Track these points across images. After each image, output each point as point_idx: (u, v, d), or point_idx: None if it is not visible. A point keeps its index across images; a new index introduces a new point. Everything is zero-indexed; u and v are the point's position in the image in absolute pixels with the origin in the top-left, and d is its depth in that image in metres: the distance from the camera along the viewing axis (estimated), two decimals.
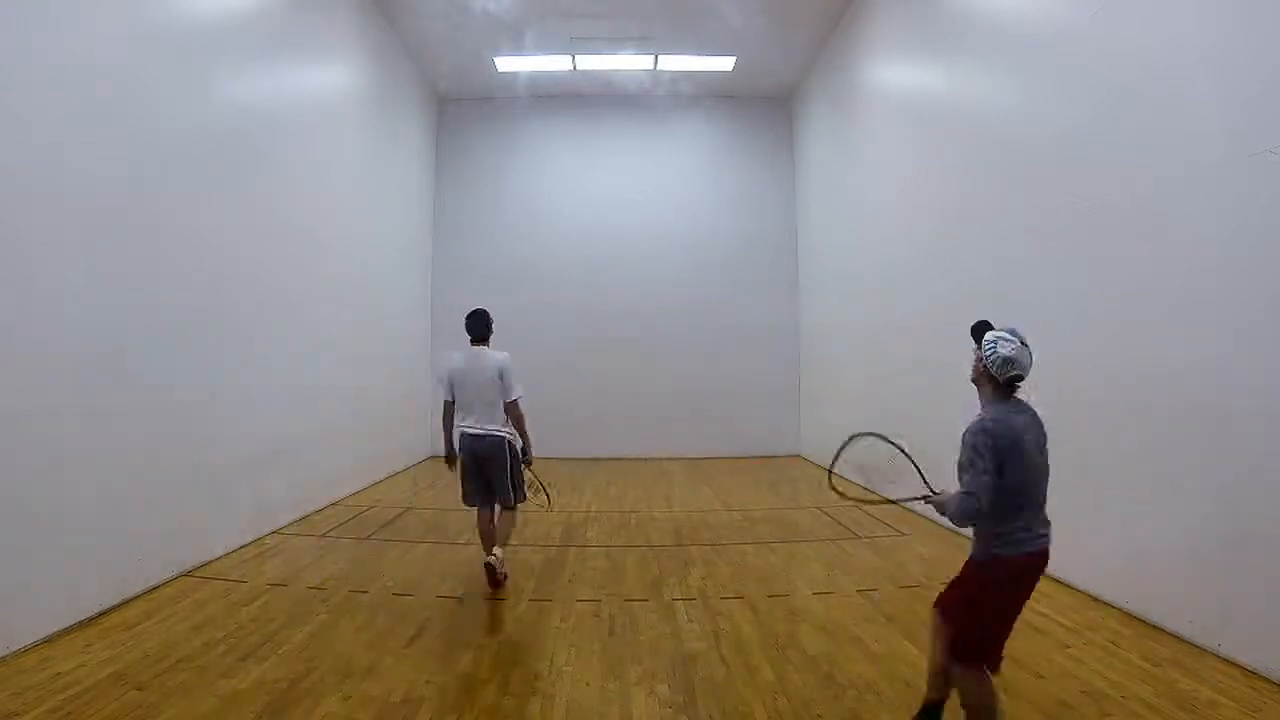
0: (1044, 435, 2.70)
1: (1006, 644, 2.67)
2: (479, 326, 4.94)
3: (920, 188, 7.33)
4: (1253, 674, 3.35)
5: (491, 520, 4.95)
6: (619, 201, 12.28)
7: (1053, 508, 2.64)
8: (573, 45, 10.43)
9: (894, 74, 8.31)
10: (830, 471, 3.02)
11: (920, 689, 3.31)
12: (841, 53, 9.87)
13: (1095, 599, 4.43)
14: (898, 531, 6.44)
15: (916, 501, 2.79)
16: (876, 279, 8.58)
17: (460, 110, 12.24)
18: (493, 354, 4.89)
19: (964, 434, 2.60)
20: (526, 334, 12.07)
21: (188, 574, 4.96)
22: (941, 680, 2.82)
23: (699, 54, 10.74)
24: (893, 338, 8.04)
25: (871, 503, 3.04)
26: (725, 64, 11.07)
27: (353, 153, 8.71)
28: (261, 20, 6.29)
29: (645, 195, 12.28)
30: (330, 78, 8.08)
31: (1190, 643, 3.72)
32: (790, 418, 12.00)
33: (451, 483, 9.52)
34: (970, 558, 2.70)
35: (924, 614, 4.31)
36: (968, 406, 2.84)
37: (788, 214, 12.35)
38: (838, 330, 10.22)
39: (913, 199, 7.55)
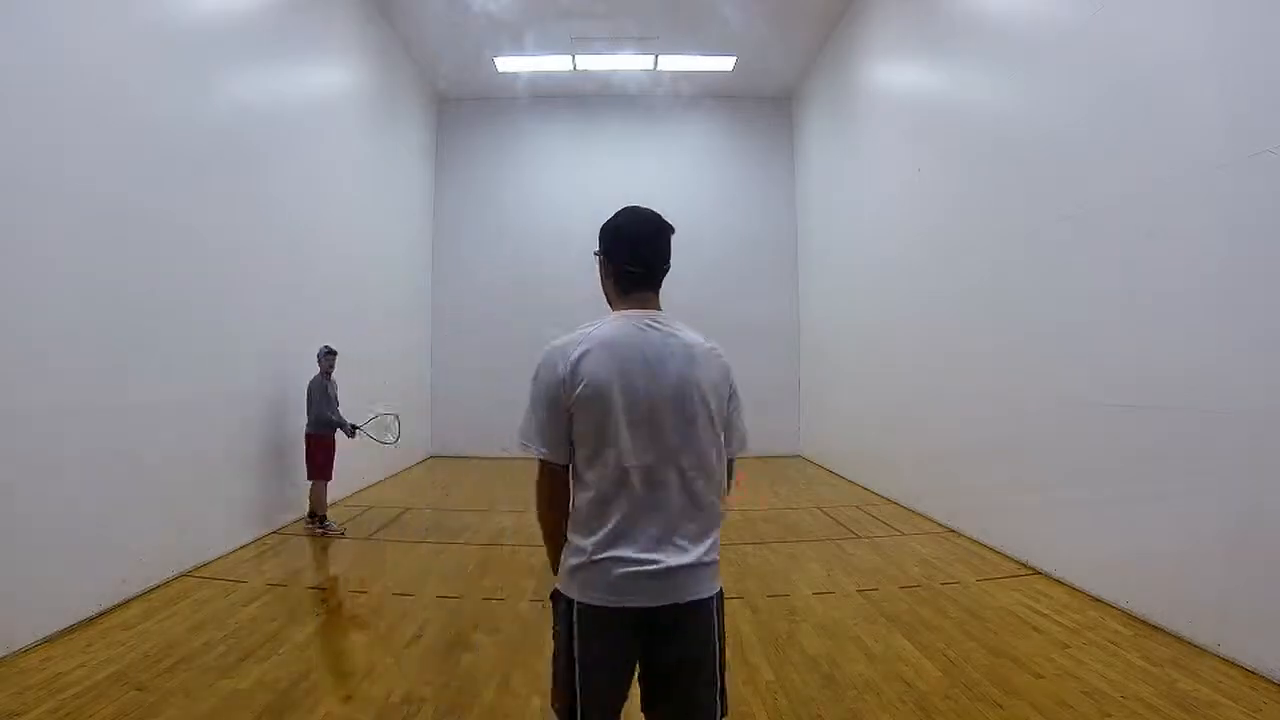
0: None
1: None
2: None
3: (920, 188, 7.33)
4: (1253, 674, 3.35)
5: None
6: (619, 201, 11.66)
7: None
8: (573, 45, 10.42)
9: (894, 74, 8.30)
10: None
11: (920, 688, 3.33)
12: (841, 53, 9.87)
13: (1095, 599, 4.41)
14: (897, 531, 6.44)
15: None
16: (876, 278, 8.58)
17: (460, 110, 12.23)
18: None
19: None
20: (526, 334, 12.11)
21: (188, 574, 4.95)
22: None
23: (699, 54, 10.73)
24: (892, 337, 8.03)
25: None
26: (725, 64, 11.06)
27: (353, 153, 8.70)
28: (261, 20, 6.29)
29: (645, 195, 12.08)
30: (330, 78, 8.08)
31: (1190, 643, 3.71)
32: (790, 418, 11.99)
33: (450, 481, 9.57)
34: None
35: (924, 614, 4.34)
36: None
37: (788, 214, 12.34)
38: (838, 329, 10.22)
39: (912, 199, 7.54)
